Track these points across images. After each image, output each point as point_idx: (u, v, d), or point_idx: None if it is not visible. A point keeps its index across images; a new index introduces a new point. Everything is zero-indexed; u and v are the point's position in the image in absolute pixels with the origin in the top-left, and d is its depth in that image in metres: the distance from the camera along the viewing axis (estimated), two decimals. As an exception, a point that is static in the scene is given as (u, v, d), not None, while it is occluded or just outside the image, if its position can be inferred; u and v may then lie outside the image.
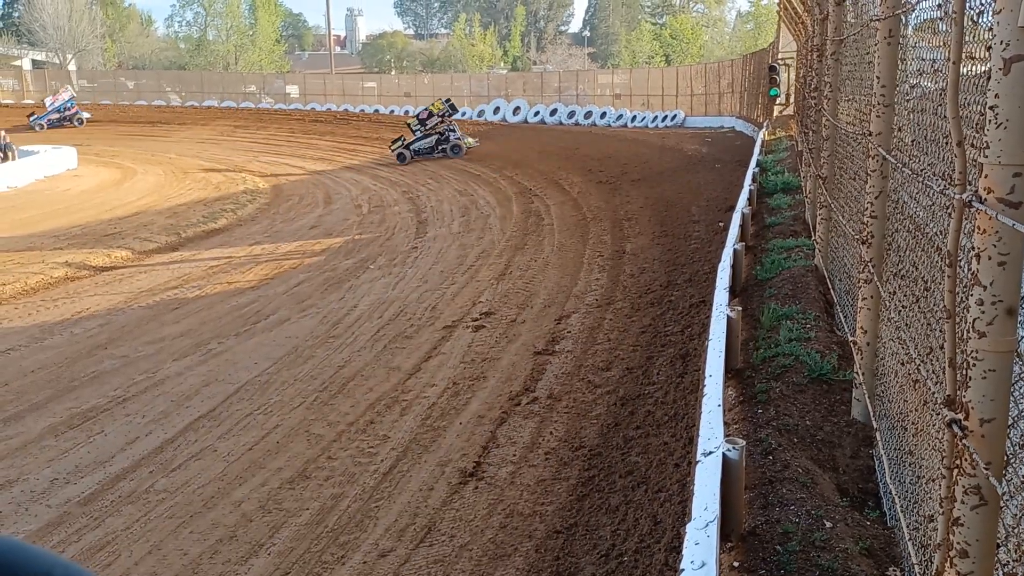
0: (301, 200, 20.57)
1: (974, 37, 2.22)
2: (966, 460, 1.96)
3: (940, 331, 2.45)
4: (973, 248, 1.92)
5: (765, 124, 23.68)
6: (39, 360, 8.61)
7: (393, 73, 66.47)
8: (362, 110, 45.23)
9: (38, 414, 7.12)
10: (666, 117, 36.54)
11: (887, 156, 3.85)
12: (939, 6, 2.86)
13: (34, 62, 61.54)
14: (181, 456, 6.19)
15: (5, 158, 26.83)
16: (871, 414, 4.07)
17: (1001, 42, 1.77)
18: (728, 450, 3.19)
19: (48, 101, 41.66)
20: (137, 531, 5.13)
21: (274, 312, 10.23)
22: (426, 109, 28.11)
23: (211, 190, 21.91)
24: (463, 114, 38.78)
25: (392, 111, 44.43)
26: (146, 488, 5.70)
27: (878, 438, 3.82)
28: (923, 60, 3.37)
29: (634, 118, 37.72)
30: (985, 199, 1.85)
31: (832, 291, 6.47)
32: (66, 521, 5.30)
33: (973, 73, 2.21)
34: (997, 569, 2.07)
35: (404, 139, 27.45)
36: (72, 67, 58.61)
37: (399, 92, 46.68)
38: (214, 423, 6.79)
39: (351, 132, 38.43)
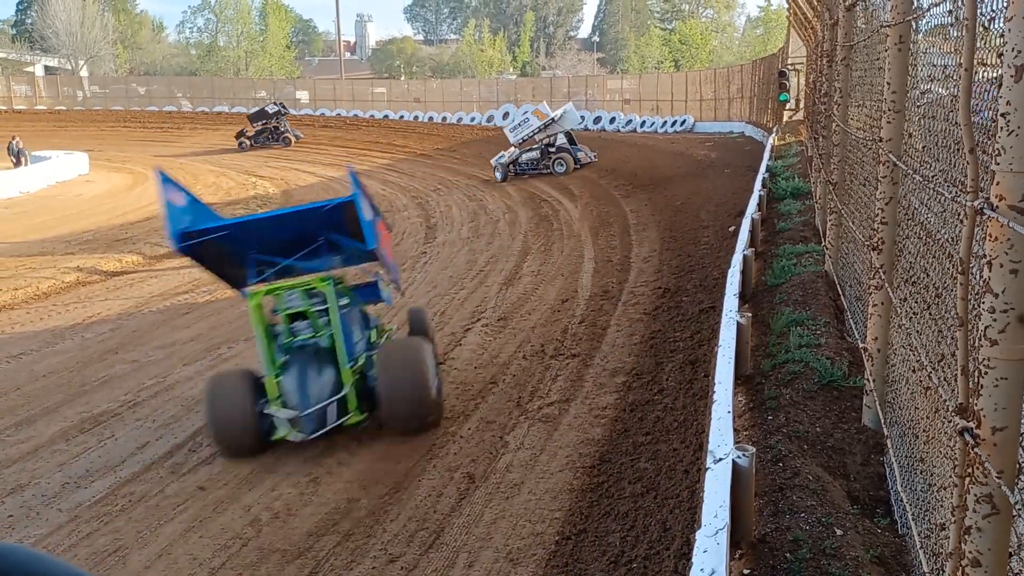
0: (311, 205, 20.63)
1: (985, 43, 2.21)
2: (978, 469, 1.95)
3: (951, 338, 2.44)
4: (985, 255, 1.91)
5: (775, 129, 23.62)
6: (51, 364, 8.67)
7: (403, 78, 66.72)
8: (372, 115, 45.41)
9: (49, 418, 7.16)
10: (675, 122, 36.52)
11: (897, 162, 3.84)
12: (950, 12, 2.85)
13: (47, 68, 62.08)
14: (191, 461, 6.22)
15: (18, 163, 27.07)
16: (882, 421, 4.05)
17: (1013, 48, 1.76)
18: (738, 457, 3.18)
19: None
20: (147, 535, 5.15)
21: (284, 317, 10.25)
22: (263, 109, 37.38)
23: (222, 195, 22.03)
24: (472, 119, 42.53)
25: (402, 116, 44.60)
26: (156, 492, 5.72)
27: (889, 445, 3.80)
28: (934, 66, 3.36)
29: (643, 123, 37.73)
30: (997, 206, 1.85)
31: (842, 297, 6.45)
32: (77, 525, 5.33)
33: (985, 79, 2.20)
34: (1010, 578, 2.06)
35: (245, 131, 36.26)
36: (84, 73, 59.10)
37: (409, 98, 46.85)
38: (224, 428, 6.80)
39: (361, 137, 38.59)
